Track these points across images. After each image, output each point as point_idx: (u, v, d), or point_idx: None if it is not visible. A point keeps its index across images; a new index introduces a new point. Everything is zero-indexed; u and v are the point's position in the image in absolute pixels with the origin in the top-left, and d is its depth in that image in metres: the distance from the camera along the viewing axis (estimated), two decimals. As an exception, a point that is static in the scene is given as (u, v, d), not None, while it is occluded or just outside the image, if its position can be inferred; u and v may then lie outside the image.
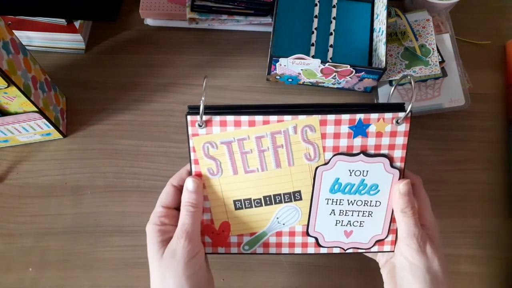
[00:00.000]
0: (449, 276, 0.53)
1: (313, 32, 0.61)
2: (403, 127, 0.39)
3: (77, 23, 0.62)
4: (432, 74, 0.59)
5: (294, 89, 0.63)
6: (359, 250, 0.43)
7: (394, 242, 0.43)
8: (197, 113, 0.38)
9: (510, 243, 0.55)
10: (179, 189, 0.42)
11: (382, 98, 0.60)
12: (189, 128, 0.40)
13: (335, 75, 0.57)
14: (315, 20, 0.61)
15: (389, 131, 0.40)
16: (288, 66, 0.56)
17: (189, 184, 0.41)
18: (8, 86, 0.48)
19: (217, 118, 0.39)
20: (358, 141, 0.40)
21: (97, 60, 0.64)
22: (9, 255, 0.54)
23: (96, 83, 0.63)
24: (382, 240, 0.43)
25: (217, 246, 0.43)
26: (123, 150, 0.59)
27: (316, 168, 0.41)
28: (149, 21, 0.66)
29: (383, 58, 0.55)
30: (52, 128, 0.56)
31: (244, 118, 0.39)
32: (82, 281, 0.53)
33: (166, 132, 0.60)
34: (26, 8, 0.60)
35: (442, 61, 0.59)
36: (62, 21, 0.62)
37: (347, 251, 0.43)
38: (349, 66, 0.54)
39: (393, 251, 0.43)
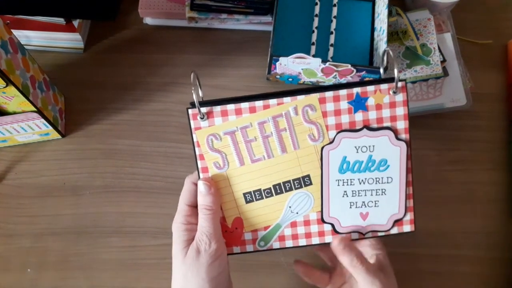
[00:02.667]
0: (449, 276, 0.53)
1: (313, 31, 0.61)
2: (401, 97, 0.40)
3: (75, 23, 0.62)
4: (433, 74, 0.58)
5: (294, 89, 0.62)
6: (379, 234, 0.42)
7: (413, 221, 0.42)
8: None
9: (510, 243, 0.55)
10: None
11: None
12: (191, 122, 0.40)
13: (335, 75, 0.57)
14: (316, 19, 0.61)
15: (388, 102, 0.40)
16: (289, 65, 0.56)
17: (201, 187, 0.40)
18: (6, 86, 0.47)
19: (217, 109, 0.39)
20: (359, 116, 0.40)
21: (96, 59, 0.64)
22: (8, 256, 0.54)
23: (95, 83, 0.63)
24: (401, 219, 0.42)
25: (232, 246, 0.43)
26: (122, 150, 0.59)
27: (322, 148, 0.41)
28: (148, 20, 0.66)
29: (384, 58, 0.55)
30: (50, 128, 0.56)
31: (245, 105, 0.39)
32: (81, 281, 0.53)
33: (165, 132, 0.60)
34: (24, 7, 0.60)
35: (443, 61, 0.59)
36: (60, 20, 0.61)
37: (366, 236, 0.42)
38: (349, 66, 0.54)
39: (413, 231, 0.42)
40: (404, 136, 0.41)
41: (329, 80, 0.59)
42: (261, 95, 0.40)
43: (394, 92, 0.40)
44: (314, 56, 0.59)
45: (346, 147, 0.41)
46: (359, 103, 0.40)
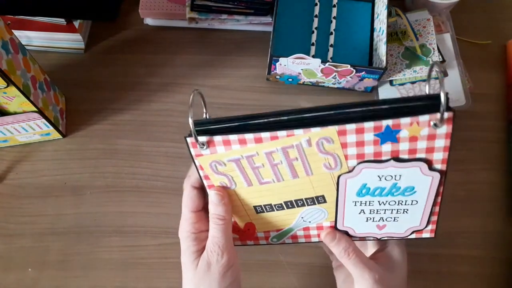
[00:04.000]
0: (449, 276, 0.54)
1: (313, 32, 0.61)
2: (444, 129, 0.32)
3: (76, 23, 0.62)
4: (432, 74, 0.59)
5: (294, 89, 0.63)
6: (395, 238, 0.40)
7: (434, 231, 0.38)
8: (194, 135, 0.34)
9: (510, 243, 0.55)
10: (201, 189, 0.40)
11: (382, 98, 0.60)
12: (191, 150, 0.35)
13: (335, 75, 0.57)
14: (315, 20, 0.61)
15: (426, 135, 0.32)
16: (288, 65, 0.56)
17: (213, 198, 0.38)
18: (7, 86, 0.47)
19: (218, 138, 0.34)
20: (387, 147, 0.33)
21: (97, 59, 0.64)
22: (9, 256, 0.54)
23: (95, 83, 0.63)
24: (421, 230, 0.39)
25: (245, 240, 0.43)
26: (122, 150, 0.59)
27: (339, 176, 0.35)
28: (149, 21, 0.66)
29: (384, 58, 0.55)
30: (51, 128, 0.56)
31: (249, 136, 0.33)
32: (82, 281, 0.53)
33: (165, 132, 0.60)
34: (25, 7, 0.60)
35: (442, 61, 0.59)
36: (61, 21, 0.61)
37: (381, 240, 0.41)
38: (349, 66, 0.54)
39: (433, 237, 0.39)
40: (440, 166, 0.34)
41: (329, 81, 0.59)
42: (265, 116, 0.33)
43: (435, 125, 0.31)
44: (313, 56, 0.59)
45: (367, 176, 0.35)
46: (388, 135, 0.32)
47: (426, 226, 0.38)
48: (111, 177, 0.58)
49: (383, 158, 0.33)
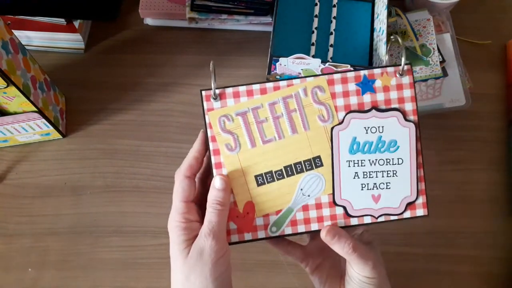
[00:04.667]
0: (449, 276, 0.54)
1: (313, 32, 0.61)
2: (407, 79, 0.41)
3: (76, 23, 0.62)
4: (432, 74, 0.59)
5: (294, 89, 0.63)
6: (391, 218, 0.42)
7: (426, 205, 0.42)
8: (211, 89, 0.41)
9: (510, 243, 0.55)
10: (194, 180, 0.41)
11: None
12: (204, 103, 0.41)
13: (335, 75, 0.57)
14: (315, 20, 0.61)
15: (395, 84, 0.41)
16: (288, 65, 0.56)
17: (217, 182, 0.40)
18: (7, 86, 0.47)
19: (229, 90, 0.42)
20: (367, 98, 0.41)
21: (97, 59, 0.64)
22: (9, 255, 0.54)
23: (95, 83, 0.63)
24: (413, 202, 0.42)
25: (243, 232, 0.42)
26: (122, 150, 0.59)
27: (332, 129, 0.41)
28: (149, 21, 0.66)
29: (384, 58, 0.55)
30: (51, 128, 0.56)
31: (256, 87, 0.42)
32: (81, 281, 0.53)
33: (165, 132, 0.60)
34: (25, 8, 0.60)
35: (442, 61, 0.59)
36: (61, 21, 0.61)
37: (378, 219, 0.42)
38: (349, 66, 0.54)
39: (427, 215, 0.42)
40: (412, 117, 0.42)
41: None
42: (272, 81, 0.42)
43: (401, 75, 0.41)
44: (313, 56, 0.59)
45: (356, 128, 0.42)
46: (366, 85, 0.41)
47: (417, 198, 0.42)
48: (111, 177, 0.58)
49: (366, 108, 0.41)
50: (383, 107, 0.42)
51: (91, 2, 0.62)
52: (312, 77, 0.41)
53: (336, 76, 0.41)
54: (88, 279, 0.53)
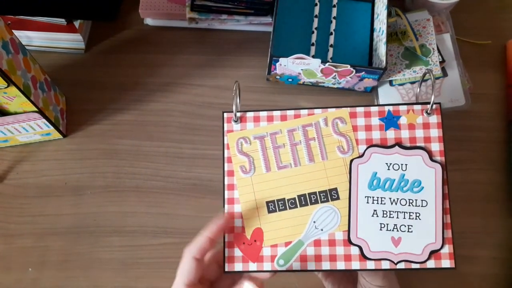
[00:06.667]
0: (449, 276, 0.54)
1: (313, 32, 0.61)
2: (435, 119, 0.40)
3: (76, 23, 0.62)
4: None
5: (294, 89, 0.63)
6: (413, 265, 0.38)
7: (453, 256, 0.38)
8: (232, 111, 0.41)
9: (510, 243, 0.55)
10: (201, 261, 0.37)
11: (382, 98, 0.60)
12: (225, 125, 0.42)
13: (335, 75, 0.57)
14: (315, 20, 0.61)
15: (421, 123, 0.40)
16: (288, 66, 0.56)
17: None
18: (8, 86, 0.48)
19: (251, 114, 0.42)
20: (391, 134, 0.40)
21: (97, 60, 0.64)
22: (9, 255, 0.54)
23: (95, 83, 0.63)
24: (438, 251, 0.38)
25: (248, 262, 0.39)
26: (122, 150, 0.59)
27: (351, 161, 0.40)
28: (149, 21, 0.66)
29: (383, 58, 0.55)
30: (52, 128, 0.56)
31: (277, 113, 0.42)
32: (82, 281, 0.53)
33: (165, 132, 0.60)
34: (25, 8, 0.60)
35: (442, 61, 0.59)
36: (61, 21, 0.61)
37: (398, 266, 0.38)
38: (349, 66, 0.54)
39: (454, 268, 0.38)
40: (439, 158, 0.40)
41: (329, 81, 0.59)
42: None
43: (428, 114, 0.40)
44: (313, 56, 0.59)
45: (377, 163, 0.39)
46: (391, 121, 0.40)
47: (442, 247, 0.38)
48: (111, 177, 0.58)
49: (389, 144, 0.40)
50: (408, 144, 0.39)
51: (91, 2, 0.62)
52: (334, 108, 0.41)
53: (359, 110, 0.40)
54: (88, 279, 0.53)
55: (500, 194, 0.57)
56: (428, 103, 0.39)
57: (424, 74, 0.43)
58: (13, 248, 0.55)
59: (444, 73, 0.59)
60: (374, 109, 0.40)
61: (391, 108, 0.40)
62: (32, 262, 0.54)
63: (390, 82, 0.60)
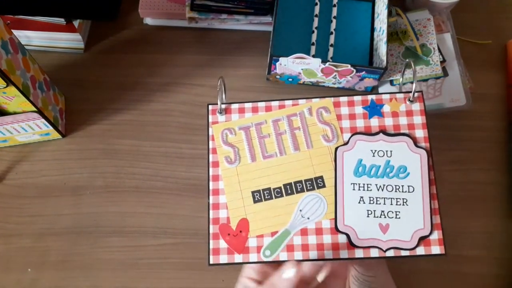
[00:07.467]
0: (450, 276, 0.54)
1: (313, 31, 0.61)
2: (418, 106, 0.40)
3: (76, 23, 0.62)
4: (433, 74, 0.59)
5: (294, 89, 0.62)
6: (402, 252, 0.38)
7: (443, 242, 0.38)
8: (217, 103, 0.42)
9: (510, 243, 0.55)
10: None
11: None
12: (210, 116, 0.42)
13: (335, 75, 0.57)
14: (316, 19, 0.61)
15: (405, 110, 0.40)
16: (288, 65, 0.56)
17: (287, 272, 0.35)
18: (7, 86, 0.47)
19: (235, 106, 0.42)
20: (375, 121, 0.40)
21: (96, 59, 0.64)
22: (8, 256, 0.54)
23: (95, 83, 0.63)
24: (427, 237, 0.38)
25: (233, 253, 0.38)
26: (122, 150, 0.59)
27: (336, 149, 0.40)
28: (149, 21, 0.66)
29: (384, 58, 0.55)
30: (51, 128, 0.56)
31: (261, 104, 0.42)
32: (81, 281, 0.53)
33: (165, 132, 0.60)
34: (25, 7, 0.60)
35: (443, 61, 0.59)
36: (61, 21, 0.61)
37: (387, 253, 0.38)
38: (349, 66, 0.54)
39: (444, 254, 0.38)
40: (424, 144, 0.39)
41: (329, 81, 0.59)
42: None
43: (411, 101, 0.40)
44: (314, 56, 0.59)
45: (362, 150, 0.39)
46: (374, 109, 0.40)
47: (431, 233, 0.38)
48: (110, 177, 0.58)
49: (373, 132, 0.40)
50: (392, 132, 0.40)
51: (91, 2, 0.62)
52: (318, 98, 0.41)
53: (343, 99, 0.41)
54: (88, 279, 0.53)
55: (500, 194, 0.57)
56: (410, 92, 0.40)
57: (406, 64, 0.44)
58: (12, 249, 0.54)
59: (445, 73, 0.59)
60: (357, 98, 0.41)
61: (374, 97, 0.40)
62: (31, 263, 0.54)
63: (391, 82, 0.60)
